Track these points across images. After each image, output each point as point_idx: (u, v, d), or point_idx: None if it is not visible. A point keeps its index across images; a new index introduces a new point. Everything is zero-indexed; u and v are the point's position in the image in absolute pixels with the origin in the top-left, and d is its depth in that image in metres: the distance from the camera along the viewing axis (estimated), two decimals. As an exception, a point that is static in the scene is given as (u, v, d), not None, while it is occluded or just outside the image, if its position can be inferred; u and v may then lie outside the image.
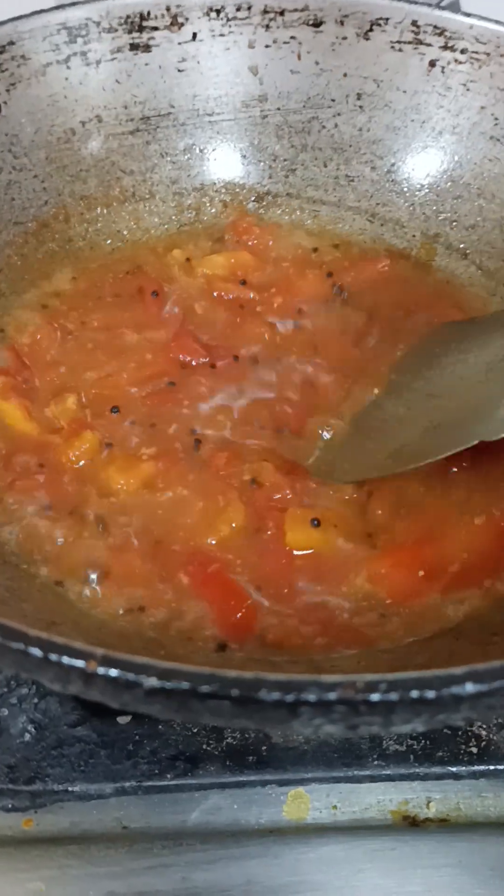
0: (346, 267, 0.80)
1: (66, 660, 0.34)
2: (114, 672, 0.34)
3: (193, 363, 0.69)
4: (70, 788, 0.56)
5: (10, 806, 0.56)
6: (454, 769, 0.58)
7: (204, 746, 0.58)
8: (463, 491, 0.62)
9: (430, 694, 0.34)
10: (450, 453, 0.59)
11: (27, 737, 0.57)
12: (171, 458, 0.63)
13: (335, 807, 0.58)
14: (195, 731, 0.58)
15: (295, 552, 0.59)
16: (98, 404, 0.66)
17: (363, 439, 0.65)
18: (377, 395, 0.68)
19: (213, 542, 0.58)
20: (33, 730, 0.57)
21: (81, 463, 0.62)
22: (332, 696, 0.33)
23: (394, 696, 0.33)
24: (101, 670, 0.34)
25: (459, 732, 0.59)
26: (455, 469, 0.63)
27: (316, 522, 0.59)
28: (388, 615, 0.56)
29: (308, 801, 0.58)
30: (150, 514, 0.60)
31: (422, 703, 0.34)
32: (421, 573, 0.58)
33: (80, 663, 0.34)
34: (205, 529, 0.59)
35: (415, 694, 0.33)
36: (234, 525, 0.59)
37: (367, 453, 0.64)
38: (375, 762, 0.58)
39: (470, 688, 0.34)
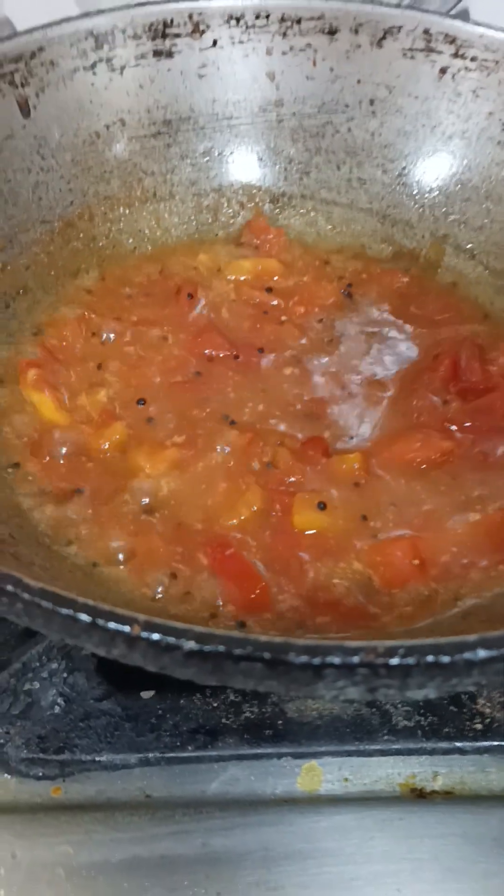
0: (364, 279, 0.83)
1: (112, 625, 0.37)
2: (156, 636, 0.37)
3: (221, 355, 0.72)
4: (97, 759, 0.58)
5: (40, 774, 0.59)
6: (459, 745, 0.61)
7: (223, 720, 0.60)
8: (466, 486, 0.65)
9: (445, 659, 0.36)
10: None
11: (56, 709, 0.60)
12: (196, 444, 0.66)
13: (346, 779, 0.61)
14: (215, 705, 0.61)
15: (303, 532, 0.61)
16: (127, 396, 0.69)
17: None
18: None
19: (234, 523, 0.61)
20: (62, 703, 0.60)
21: (110, 451, 0.65)
22: (356, 659, 0.36)
23: (411, 660, 0.36)
24: (143, 634, 0.37)
25: (465, 710, 0.62)
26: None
27: (322, 506, 0.62)
28: (395, 598, 0.59)
29: (321, 773, 0.61)
30: (174, 497, 0.63)
31: (437, 667, 0.37)
32: (416, 562, 0.60)
33: (125, 628, 0.37)
34: (226, 512, 0.62)
35: (430, 658, 0.36)
36: (254, 508, 0.62)
37: None
38: (385, 737, 0.60)
39: (482, 653, 0.37)
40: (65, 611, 0.38)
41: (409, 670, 0.37)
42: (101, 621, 0.38)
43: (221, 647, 0.37)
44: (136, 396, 0.69)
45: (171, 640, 0.37)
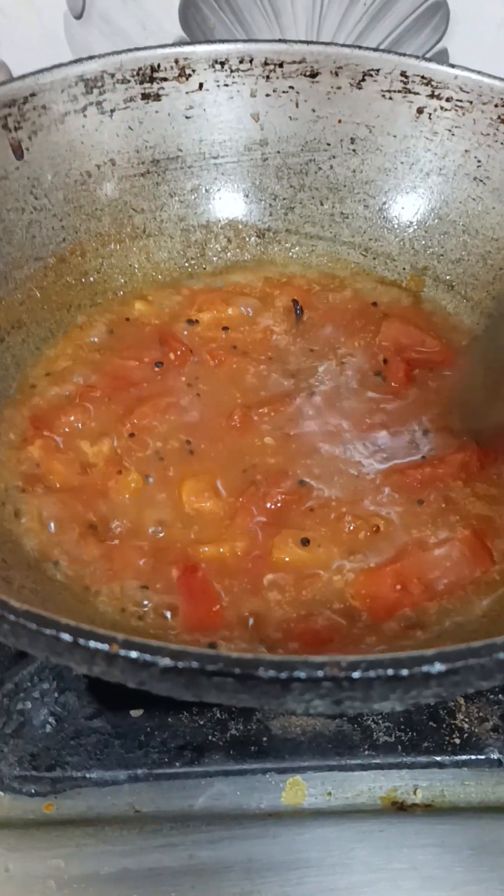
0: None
1: (92, 643, 0.40)
2: (133, 654, 0.39)
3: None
4: (87, 775, 0.60)
5: (32, 791, 0.60)
6: (439, 759, 0.62)
7: (209, 737, 0.62)
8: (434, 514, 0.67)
9: (404, 672, 0.39)
10: None
11: (48, 728, 0.61)
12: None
13: (329, 793, 0.63)
14: (201, 723, 0.63)
15: (280, 563, 0.63)
16: (130, 444, 0.70)
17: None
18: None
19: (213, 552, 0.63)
20: (54, 721, 0.62)
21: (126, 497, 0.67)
22: (320, 673, 0.39)
23: (372, 673, 0.39)
24: (122, 652, 0.40)
25: (444, 725, 0.64)
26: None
27: (305, 542, 0.63)
28: (370, 626, 0.60)
29: (304, 787, 0.63)
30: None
31: (397, 679, 0.39)
32: (398, 587, 0.62)
33: (104, 646, 0.40)
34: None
35: (390, 672, 0.39)
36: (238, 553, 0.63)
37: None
38: (366, 752, 0.62)
39: (439, 666, 0.39)
40: (48, 631, 0.40)
41: (370, 683, 0.39)
42: (82, 640, 0.40)
43: (195, 664, 0.39)
44: (140, 447, 0.70)
45: (148, 657, 0.39)
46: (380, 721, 0.64)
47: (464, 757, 0.63)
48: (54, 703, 0.62)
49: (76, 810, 0.61)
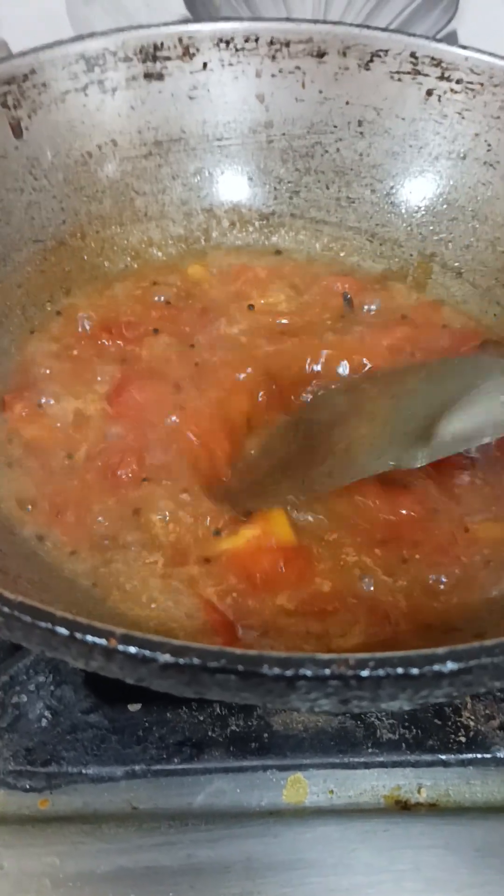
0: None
1: (89, 638, 0.38)
2: (132, 649, 0.38)
3: None
4: (83, 771, 0.59)
5: (27, 786, 0.59)
6: (443, 757, 0.61)
7: (209, 733, 0.61)
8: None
9: (415, 670, 0.37)
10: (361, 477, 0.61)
11: (44, 722, 0.60)
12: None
13: (332, 791, 0.61)
14: (201, 718, 0.61)
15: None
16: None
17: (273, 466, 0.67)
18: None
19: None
20: (49, 715, 0.60)
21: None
22: (327, 671, 0.37)
23: (381, 672, 0.37)
24: (120, 647, 0.38)
25: (449, 723, 0.62)
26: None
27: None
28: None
29: (306, 785, 0.61)
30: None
31: (407, 678, 0.37)
32: None
33: (102, 641, 0.38)
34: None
35: (400, 670, 0.37)
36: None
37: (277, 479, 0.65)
38: (370, 750, 0.61)
39: (451, 665, 0.37)
40: (43, 624, 0.39)
41: (379, 682, 0.37)
42: (78, 634, 0.38)
43: (196, 660, 0.37)
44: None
45: (147, 652, 0.38)
46: (384, 718, 0.62)
47: (470, 755, 0.62)
48: (50, 696, 0.61)
49: (72, 807, 0.60)
